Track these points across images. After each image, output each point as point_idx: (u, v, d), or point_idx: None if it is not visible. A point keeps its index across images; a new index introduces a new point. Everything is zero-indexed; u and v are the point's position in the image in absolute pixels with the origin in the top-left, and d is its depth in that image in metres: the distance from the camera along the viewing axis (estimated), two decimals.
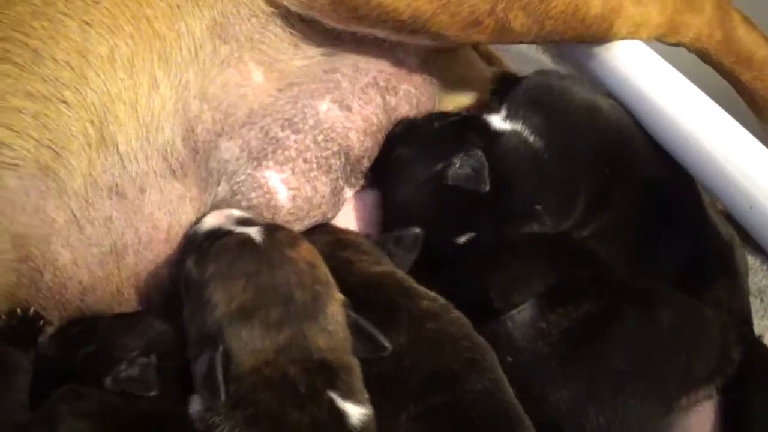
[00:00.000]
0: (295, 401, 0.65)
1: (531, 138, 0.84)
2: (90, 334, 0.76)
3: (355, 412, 0.67)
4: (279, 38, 0.88)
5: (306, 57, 0.89)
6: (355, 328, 0.70)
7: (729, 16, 0.93)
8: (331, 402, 0.66)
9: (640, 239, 0.86)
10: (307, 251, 0.73)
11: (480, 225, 0.82)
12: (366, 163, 0.89)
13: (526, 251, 0.81)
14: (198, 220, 0.78)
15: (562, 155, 0.84)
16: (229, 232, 0.73)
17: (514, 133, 0.85)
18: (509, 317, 0.79)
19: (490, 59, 1.08)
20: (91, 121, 0.77)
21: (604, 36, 0.89)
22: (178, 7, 0.82)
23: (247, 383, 0.66)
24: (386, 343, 0.70)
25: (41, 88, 0.75)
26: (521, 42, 0.89)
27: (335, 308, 0.70)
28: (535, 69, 1.00)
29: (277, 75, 0.87)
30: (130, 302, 0.80)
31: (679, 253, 0.86)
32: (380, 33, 0.87)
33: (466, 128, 0.86)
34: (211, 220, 0.76)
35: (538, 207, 0.82)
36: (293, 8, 0.86)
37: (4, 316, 0.77)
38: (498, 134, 0.85)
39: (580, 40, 0.90)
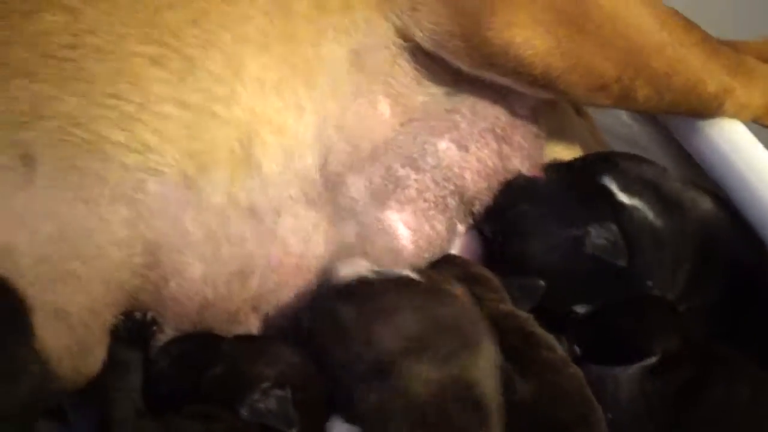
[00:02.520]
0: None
1: (651, 216, 0.90)
2: (214, 355, 0.78)
3: None
4: (405, 72, 0.92)
5: (428, 93, 0.93)
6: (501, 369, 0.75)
7: None
8: None
9: (726, 320, 0.93)
10: (462, 290, 0.78)
11: (598, 296, 0.88)
12: (477, 204, 0.94)
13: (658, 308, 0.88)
14: (333, 267, 0.80)
15: (675, 237, 0.90)
16: (379, 277, 0.77)
17: (635, 209, 0.90)
18: (617, 374, 0.85)
19: (578, 111, 1.14)
20: (239, 140, 0.80)
21: (713, 113, 0.96)
22: (324, 32, 0.86)
23: (415, 418, 0.70)
24: (522, 389, 0.75)
25: (194, 98, 0.78)
26: (637, 110, 0.95)
27: (489, 344, 0.75)
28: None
29: (401, 109, 0.91)
30: (246, 323, 0.84)
31: (758, 334, 0.94)
32: (507, 82, 0.93)
33: (592, 193, 0.91)
34: (349, 267, 0.79)
35: (650, 283, 0.88)
36: (424, 44, 0.91)
37: (121, 316, 0.80)
38: (622, 206, 0.90)
39: (689, 114, 0.97)
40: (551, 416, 0.78)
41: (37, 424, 0.75)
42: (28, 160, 0.75)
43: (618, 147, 1.14)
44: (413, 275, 0.78)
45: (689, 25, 0.94)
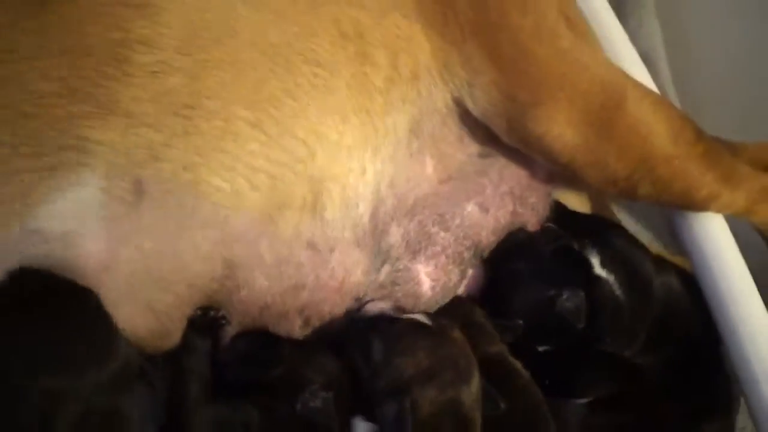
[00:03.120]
0: None
1: (618, 291, 1.13)
2: (275, 357, 1.01)
3: None
4: (451, 132, 1.11)
5: (467, 153, 1.13)
6: (484, 391, 0.99)
7: None
8: None
9: (673, 378, 1.17)
10: (459, 334, 1.02)
11: (560, 342, 1.12)
12: (486, 252, 1.16)
13: (600, 362, 1.12)
14: (361, 306, 1.04)
15: (636, 311, 1.14)
16: (404, 320, 1.00)
17: (606, 282, 1.13)
18: (570, 404, 1.10)
19: None
20: (312, 191, 1.00)
21: (699, 209, 1.16)
22: (393, 103, 1.05)
23: (418, 427, 0.95)
24: (503, 405, 1.00)
25: (281, 157, 0.98)
26: (639, 200, 1.15)
27: (478, 376, 1.00)
28: None
29: (443, 167, 1.11)
30: (292, 323, 1.06)
31: (697, 393, 1.18)
32: (536, 157, 1.12)
33: (574, 262, 1.13)
34: (375, 306, 1.04)
35: (607, 340, 1.12)
36: (473, 112, 1.10)
37: (198, 310, 1.02)
38: (596, 278, 1.12)
39: (680, 208, 1.17)
40: (522, 423, 1.04)
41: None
42: (139, 192, 0.95)
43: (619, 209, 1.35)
44: (427, 321, 1.01)
45: (698, 138, 1.12)
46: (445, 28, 1.07)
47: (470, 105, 1.09)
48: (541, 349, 1.13)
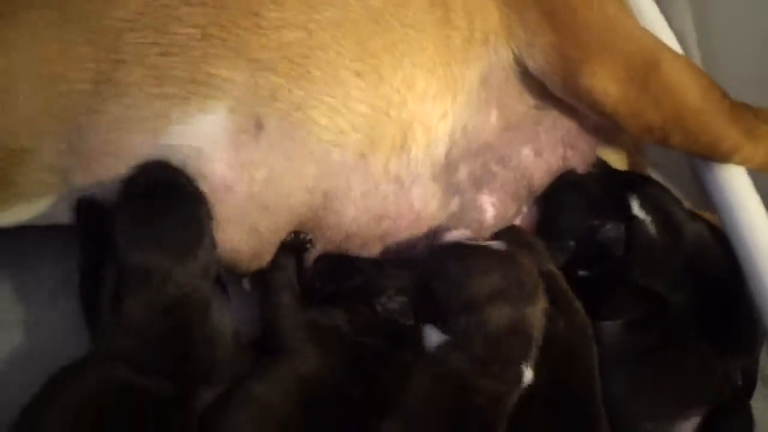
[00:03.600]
0: (505, 360, 1.12)
1: (652, 230, 1.32)
2: (354, 269, 1.19)
3: (528, 376, 1.13)
4: (513, 88, 1.29)
5: (525, 105, 1.30)
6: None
7: None
8: (518, 370, 1.13)
9: (701, 315, 1.33)
10: (528, 260, 1.18)
11: (598, 269, 1.30)
12: (537, 194, 1.34)
13: (630, 291, 1.31)
14: (443, 233, 1.21)
15: (666, 250, 1.32)
16: (480, 246, 1.18)
17: (642, 222, 1.31)
18: (605, 325, 1.28)
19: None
20: (401, 133, 1.18)
21: (722, 160, 1.33)
22: (469, 60, 1.22)
23: (487, 342, 1.11)
24: (561, 323, 1.17)
25: (378, 103, 1.15)
26: (670, 147, 1.33)
27: (542, 299, 1.16)
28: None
29: (504, 117, 1.29)
30: (372, 250, 1.24)
31: (723, 330, 1.34)
32: (583, 110, 1.30)
33: (616, 201, 1.31)
34: (455, 235, 1.21)
35: (639, 271, 1.31)
36: (532, 70, 1.27)
37: (291, 233, 1.20)
38: (634, 217, 1.31)
39: (705, 158, 1.34)
40: (568, 341, 1.20)
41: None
42: (259, 126, 1.12)
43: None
44: (502, 247, 1.18)
45: (723, 96, 1.30)
46: None
47: (530, 63, 1.27)
48: (581, 273, 1.30)
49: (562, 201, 1.33)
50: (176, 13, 1.08)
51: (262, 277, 1.22)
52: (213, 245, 1.09)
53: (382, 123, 1.16)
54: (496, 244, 1.19)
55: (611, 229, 1.28)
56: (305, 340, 1.14)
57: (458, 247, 1.19)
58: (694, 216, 1.39)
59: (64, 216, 1.15)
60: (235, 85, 1.10)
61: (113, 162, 1.10)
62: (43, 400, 1.03)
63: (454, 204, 1.26)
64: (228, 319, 1.11)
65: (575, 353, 1.23)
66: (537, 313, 1.15)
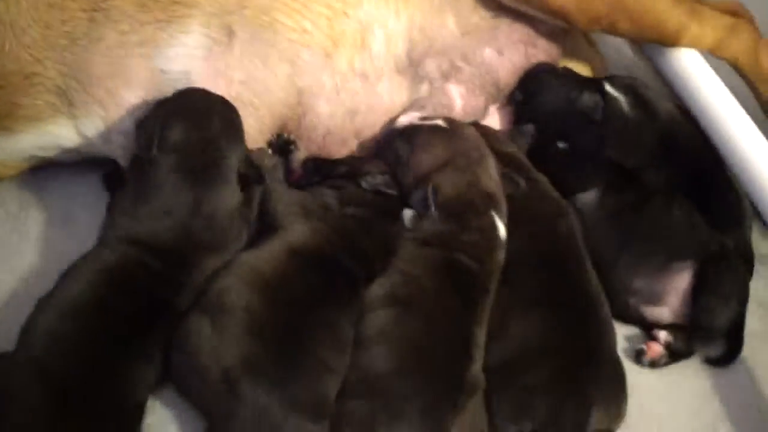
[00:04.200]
0: (473, 212, 1.21)
1: (624, 105, 1.43)
2: (339, 162, 1.32)
3: (502, 228, 1.22)
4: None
5: (480, 16, 1.44)
6: (503, 174, 1.26)
7: (759, 45, 1.47)
8: (491, 217, 1.22)
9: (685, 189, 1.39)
10: (473, 130, 1.30)
11: (576, 139, 1.40)
12: (507, 92, 1.45)
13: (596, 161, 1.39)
14: (396, 118, 1.34)
15: (639, 124, 1.42)
16: (423, 125, 1.29)
17: (616, 99, 1.43)
18: (581, 195, 1.36)
19: (590, 42, 1.64)
20: (360, 31, 1.33)
21: (673, 42, 1.44)
22: None
23: (448, 203, 1.21)
24: (522, 183, 1.27)
25: (336, 3, 1.31)
26: (622, 36, 1.44)
27: (493, 161, 1.26)
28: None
29: (462, 24, 1.42)
30: (351, 147, 1.37)
31: (710, 205, 1.39)
32: (535, 13, 1.43)
33: (593, 81, 1.45)
34: (406, 118, 1.33)
35: (614, 143, 1.40)
36: None
37: (275, 135, 1.33)
38: (608, 94, 1.43)
39: (657, 43, 1.45)
40: (538, 208, 1.29)
41: None
42: (231, 34, 1.28)
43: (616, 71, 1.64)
44: (443, 124, 1.30)
45: None
46: None
47: None
48: (561, 145, 1.40)
49: (541, 81, 1.45)
50: None
51: None
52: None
53: (341, 22, 1.31)
54: (438, 121, 1.30)
55: (589, 98, 1.40)
56: (295, 215, 1.24)
57: (404, 129, 1.32)
58: (664, 99, 1.48)
59: (72, 139, 1.30)
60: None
61: (111, 84, 1.26)
62: (62, 278, 1.14)
63: (424, 90, 1.38)
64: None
65: (547, 218, 1.31)
66: (488, 173, 1.25)
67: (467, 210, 1.22)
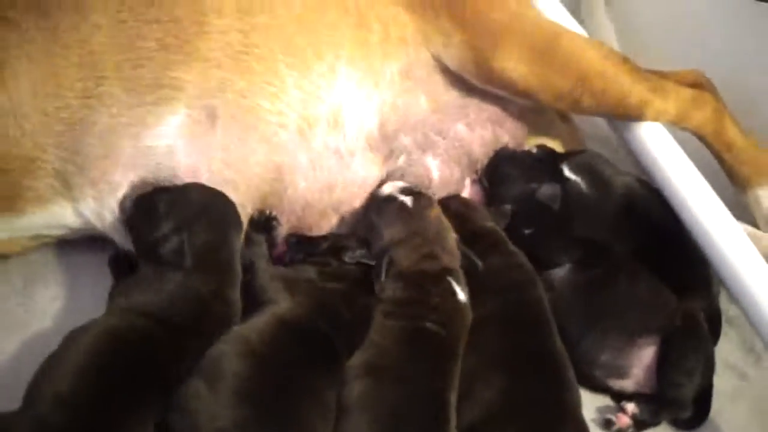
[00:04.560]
0: (430, 281, 1.29)
1: (583, 187, 1.51)
2: (321, 240, 1.41)
3: (461, 293, 1.29)
4: (437, 81, 1.53)
5: (451, 95, 1.53)
6: (463, 253, 1.34)
7: (722, 115, 1.54)
8: (449, 283, 1.29)
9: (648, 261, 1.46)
10: (436, 212, 1.38)
11: (540, 224, 1.48)
12: (479, 165, 1.54)
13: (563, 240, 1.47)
14: (379, 186, 1.43)
15: (599, 202, 1.50)
16: (395, 198, 1.38)
17: (575, 182, 1.51)
18: (553, 272, 1.43)
19: (564, 118, 1.72)
20: (333, 112, 1.42)
21: (637, 117, 1.51)
22: (388, 54, 1.48)
23: (403, 275, 1.30)
24: (479, 263, 1.34)
25: (309, 87, 1.41)
26: (586, 113, 1.52)
27: (452, 240, 1.35)
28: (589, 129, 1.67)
29: (433, 102, 1.52)
30: (330, 221, 1.45)
31: (676, 271, 1.46)
32: (501, 93, 1.52)
33: (550, 167, 1.52)
34: (387, 189, 1.42)
35: (577, 222, 1.49)
36: (451, 68, 1.52)
37: (257, 212, 1.42)
38: (567, 179, 1.51)
39: (622, 118, 1.53)
40: (509, 278, 1.36)
41: None
42: (212, 117, 1.37)
43: (592, 145, 1.72)
44: (408, 203, 1.38)
45: (624, 60, 1.51)
46: (423, 10, 1.52)
47: (448, 61, 1.52)
48: (526, 232, 1.48)
49: (500, 173, 1.54)
50: (139, 31, 1.36)
51: None
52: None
53: (315, 105, 1.41)
54: (407, 200, 1.38)
55: (547, 188, 1.48)
56: (280, 290, 1.32)
57: (380, 200, 1.41)
58: (622, 173, 1.56)
59: (71, 219, 1.40)
60: (191, 83, 1.36)
61: (105, 165, 1.35)
62: (67, 341, 1.21)
63: (401, 161, 1.48)
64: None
65: (519, 287, 1.38)
66: (445, 249, 1.34)
67: (424, 279, 1.31)
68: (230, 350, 1.21)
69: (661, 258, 1.48)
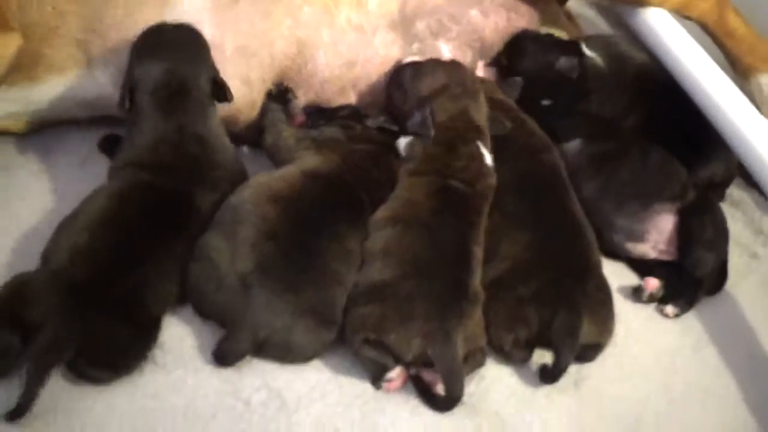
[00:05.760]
0: (460, 140, 1.34)
1: (599, 62, 1.59)
2: (341, 107, 1.45)
3: (488, 156, 1.35)
4: None
5: None
6: (491, 115, 1.39)
7: (724, 4, 1.61)
8: (477, 146, 1.34)
9: (664, 133, 1.53)
10: (471, 70, 1.44)
11: (557, 96, 1.55)
12: (492, 50, 1.59)
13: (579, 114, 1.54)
14: (401, 60, 1.48)
15: (615, 77, 1.57)
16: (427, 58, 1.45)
17: (592, 57, 1.59)
18: (566, 144, 1.49)
19: (569, 17, 1.79)
20: None
21: (642, 2, 1.58)
22: None
23: (440, 128, 1.34)
24: (508, 124, 1.40)
25: None
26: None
27: (483, 100, 1.40)
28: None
29: None
30: (348, 96, 1.49)
31: (687, 144, 1.52)
32: None
33: (568, 43, 1.60)
34: (410, 57, 1.47)
35: (593, 95, 1.56)
36: None
37: (274, 85, 1.46)
38: (584, 55, 1.59)
39: (626, 3, 1.59)
40: (525, 143, 1.42)
41: None
42: None
43: None
44: (444, 59, 1.44)
45: None
46: None
47: None
48: (544, 102, 1.54)
49: (521, 47, 1.60)
50: None
51: (258, 129, 1.45)
52: (210, 61, 1.35)
53: None
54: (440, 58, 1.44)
55: (566, 60, 1.55)
56: (307, 148, 1.36)
57: (411, 62, 1.45)
58: (637, 50, 1.63)
59: (87, 87, 1.42)
60: None
61: (126, 34, 1.38)
62: (80, 205, 1.24)
63: (415, 47, 1.51)
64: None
65: (535, 151, 1.44)
66: (478, 107, 1.39)
67: (455, 138, 1.35)
68: (252, 196, 1.24)
69: (673, 132, 1.54)
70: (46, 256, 1.19)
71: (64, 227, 1.22)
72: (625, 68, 1.60)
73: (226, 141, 1.35)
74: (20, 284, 1.13)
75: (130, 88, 1.30)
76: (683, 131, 1.54)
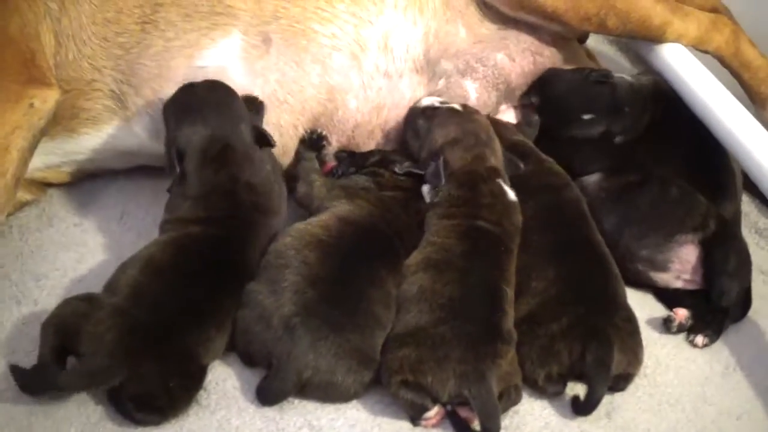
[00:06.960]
0: (480, 179, 1.40)
1: (628, 79, 1.66)
2: (370, 154, 1.52)
3: (510, 192, 1.41)
4: (474, 13, 1.64)
5: (487, 27, 1.65)
6: (506, 157, 1.46)
7: (739, 37, 1.67)
8: (498, 183, 1.40)
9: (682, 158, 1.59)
10: (484, 117, 1.50)
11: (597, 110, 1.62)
12: (517, 93, 1.66)
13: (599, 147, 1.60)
14: (419, 99, 1.54)
15: (636, 100, 1.64)
16: (441, 107, 1.50)
17: (620, 77, 1.66)
18: (585, 178, 1.55)
19: (589, 55, 1.85)
20: (383, 36, 1.54)
21: (659, 38, 1.64)
22: None
23: (456, 175, 1.41)
24: (521, 166, 1.46)
25: (361, 13, 1.52)
26: (611, 34, 1.65)
27: (498, 143, 1.46)
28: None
29: (473, 34, 1.63)
30: (377, 139, 1.56)
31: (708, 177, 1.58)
32: (532, 19, 1.64)
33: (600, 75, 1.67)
34: (428, 100, 1.53)
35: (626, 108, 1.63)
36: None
37: (308, 130, 1.53)
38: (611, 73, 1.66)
39: (644, 39, 1.66)
40: (546, 181, 1.48)
41: None
42: (267, 41, 1.48)
43: None
44: (458, 108, 1.50)
45: None
46: None
47: None
48: (586, 117, 1.62)
49: (554, 76, 1.68)
50: None
51: (290, 175, 1.51)
52: (245, 112, 1.41)
53: (366, 29, 1.53)
54: (455, 105, 1.50)
55: (599, 71, 1.65)
56: (338, 197, 1.42)
57: (425, 108, 1.52)
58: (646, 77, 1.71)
59: (124, 138, 1.50)
60: (245, 11, 1.47)
61: (159, 85, 1.46)
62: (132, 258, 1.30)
63: (441, 84, 1.59)
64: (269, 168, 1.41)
65: (555, 189, 1.50)
66: (493, 152, 1.45)
67: (475, 178, 1.41)
68: (293, 242, 1.31)
69: (692, 164, 1.59)
70: (107, 290, 1.25)
71: (124, 267, 1.28)
72: (642, 90, 1.67)
73: (280, 187, 1.42)
74: (81, 314, 1.18)
75: (177, 153, 1.37)
76: (701, 167, 1.59)
